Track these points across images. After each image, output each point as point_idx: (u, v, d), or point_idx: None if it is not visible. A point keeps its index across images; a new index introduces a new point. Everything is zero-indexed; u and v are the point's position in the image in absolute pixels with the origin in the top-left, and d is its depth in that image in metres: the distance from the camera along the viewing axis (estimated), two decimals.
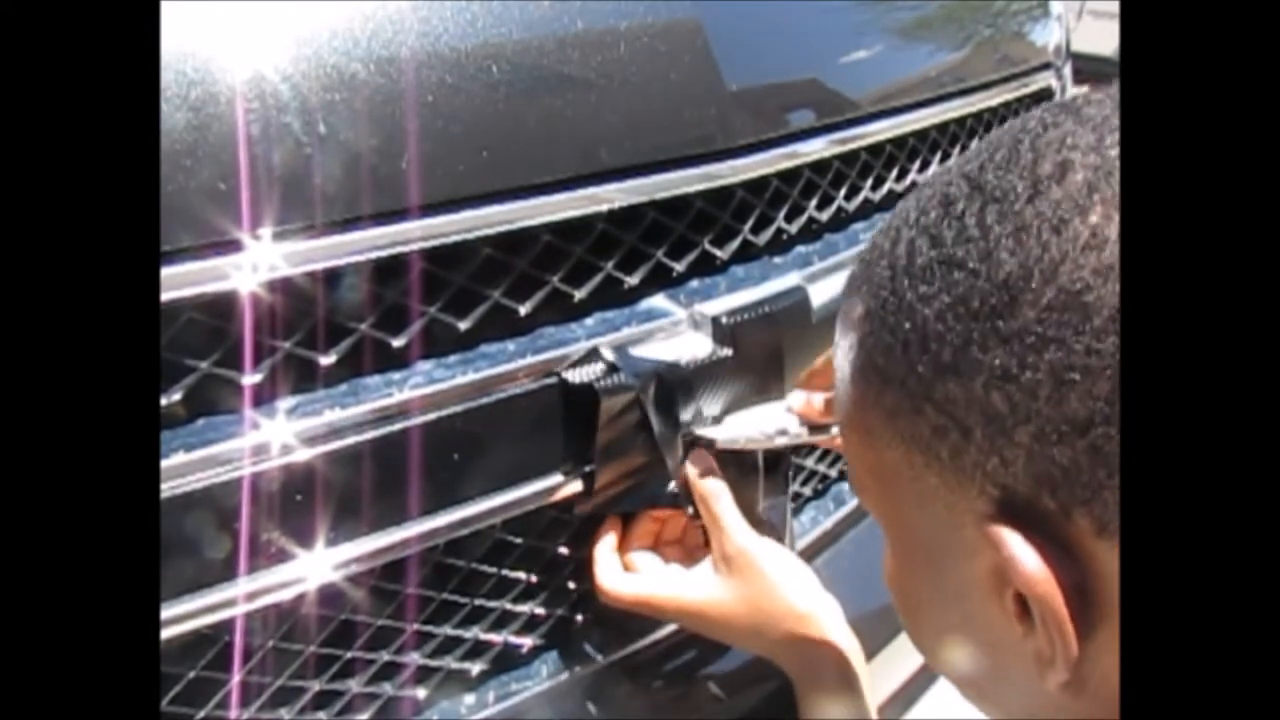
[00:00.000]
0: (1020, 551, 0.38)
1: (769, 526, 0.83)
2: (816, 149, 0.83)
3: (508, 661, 0.75)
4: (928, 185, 0.44)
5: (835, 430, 0.72)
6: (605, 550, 0.74)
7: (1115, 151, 0.37)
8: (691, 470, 0.73)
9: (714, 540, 0.72)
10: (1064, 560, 0.38)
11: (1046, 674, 0.40)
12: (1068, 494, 0.37)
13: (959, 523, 0.41)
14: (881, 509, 0.48)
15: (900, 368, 0.41)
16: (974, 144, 0.48)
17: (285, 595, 0.58)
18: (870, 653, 0.92)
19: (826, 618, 0.71)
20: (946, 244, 0.40)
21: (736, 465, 0.78)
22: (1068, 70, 1.24)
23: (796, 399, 0.74)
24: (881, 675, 0.94)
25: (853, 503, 0.98)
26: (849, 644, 0.72)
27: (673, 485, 0.74)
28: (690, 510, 0.75)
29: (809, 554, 0.94)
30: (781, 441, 0.74)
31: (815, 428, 0.73)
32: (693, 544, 0.77)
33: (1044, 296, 0.37)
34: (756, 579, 0.70)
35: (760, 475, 0.80)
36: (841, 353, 0.47)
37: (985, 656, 0.45)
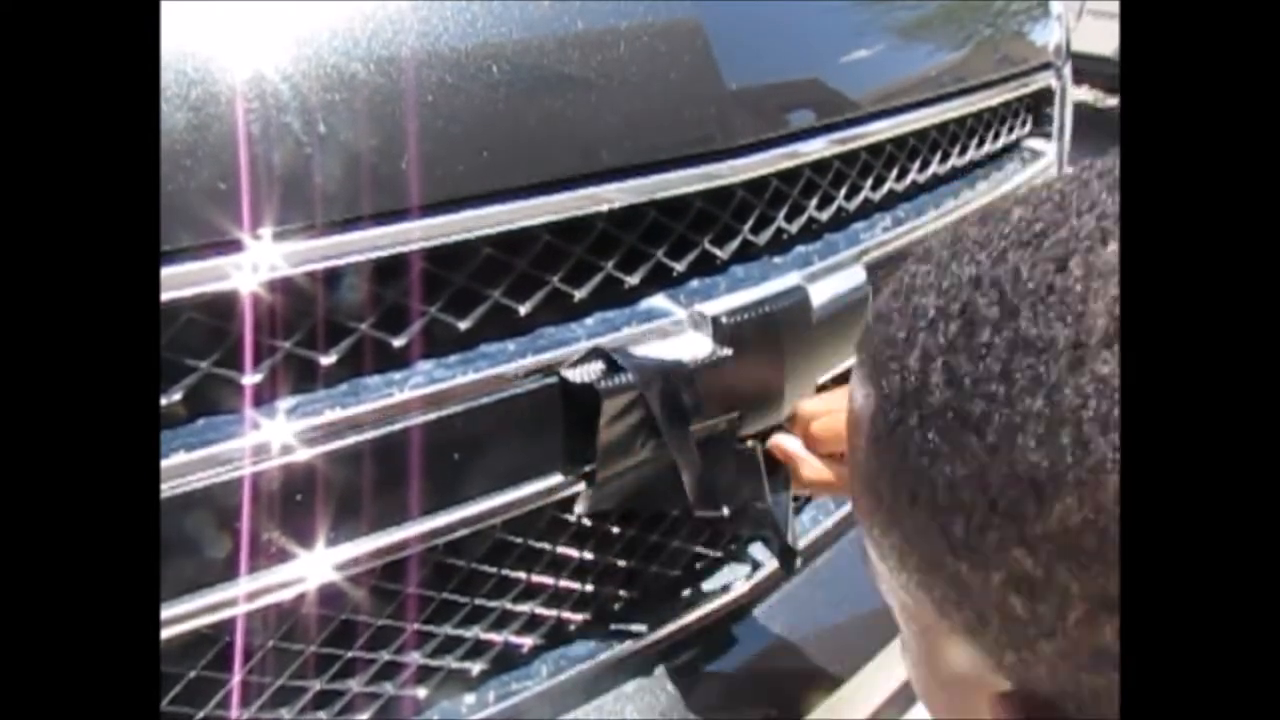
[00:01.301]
0: None
1: (772, 522, 0.83)
2: (816, 149, 0.83)
3: (508, 661, 0.75)
4: (952, 259, 0.36)
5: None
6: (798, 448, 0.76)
7: None
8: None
9: None
10: None
11: None
12: (1094, 712, 0.32)
13: (970, 681, 0.37)
14: (901, 620, 0.43)
15: (908, 520, 0.35)
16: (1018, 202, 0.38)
17: (285, 595, 0.58)
18: (869, 653, 0.92)
19: None
20: (965, 388, 0.33)
21: (739, 463, 0.78)
22: (1068, 70, 1.24)
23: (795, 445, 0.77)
24: (881, 675, 0.94)
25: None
26: None
27: (677, 484, 0.74)
28: (692, 508, 0.75)
29: (809, 554, 0.94)
30: None
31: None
32: None
33: (1076, 513, 0.30)
34: None
35: (762, 472, 0.80)
36: (851, 444, 0.41)
37: None
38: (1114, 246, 0.31)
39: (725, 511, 0.77)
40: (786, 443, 0.79)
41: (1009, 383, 0.31)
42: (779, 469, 0.81)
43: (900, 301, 0.38)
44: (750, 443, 0.80)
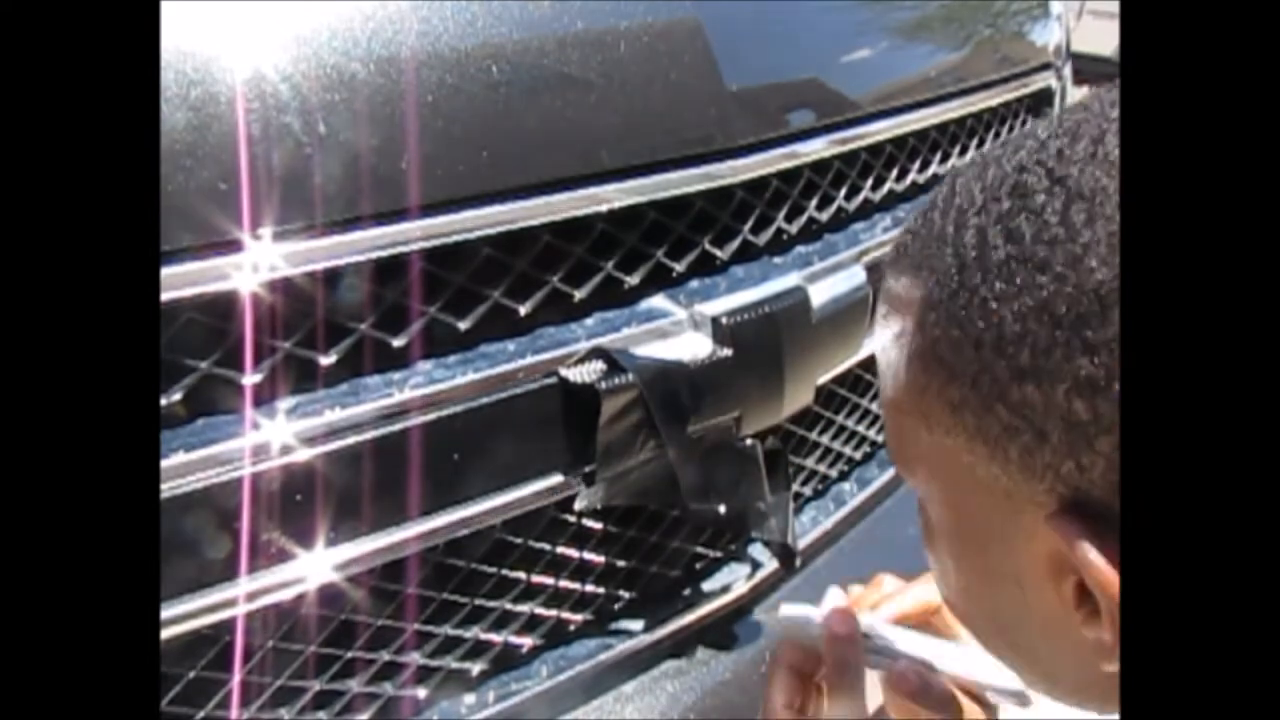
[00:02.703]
0: (1095, 559, 0.38)
1: (772, 522, 0.83)
2: (816, 149, 0.83)
3: (508, 661, 0.75)
4: (989, 165, 0.41)
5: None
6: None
7: None
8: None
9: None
10: None
11: (1105, 662, 0.40)
12: None
13: (1018, 508, 0.41)
14: (929, 489, 0.47)
15: (971, 365, 0.40)
16: (1030, 125, 0.44)
17: (285, 595, 0.58)
18: None
19: None
20: (1026, 241, 0.38)
21: (739, 462, 0.78)
22: (1068, 70, 1.24)
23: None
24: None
25: (853, 503, 0.98)
26: None
27: (676, 483, 0.74)
28: (692, 507, 0.75)
29: (809, 554, 0.94)
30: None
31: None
32: None
33: None
34: None
35: (762, 472, 0.80)
36: (891, 335, 0.45)
37: (1038, 636, 0.45)
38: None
39: (721, 509, 0.77)
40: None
41: (1067, 226, 0.36)
42: (779, 468, 0.81)
43: (939, 208, 0.42)
44: (750, 442, 0.79)
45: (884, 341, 0.46)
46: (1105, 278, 0.36)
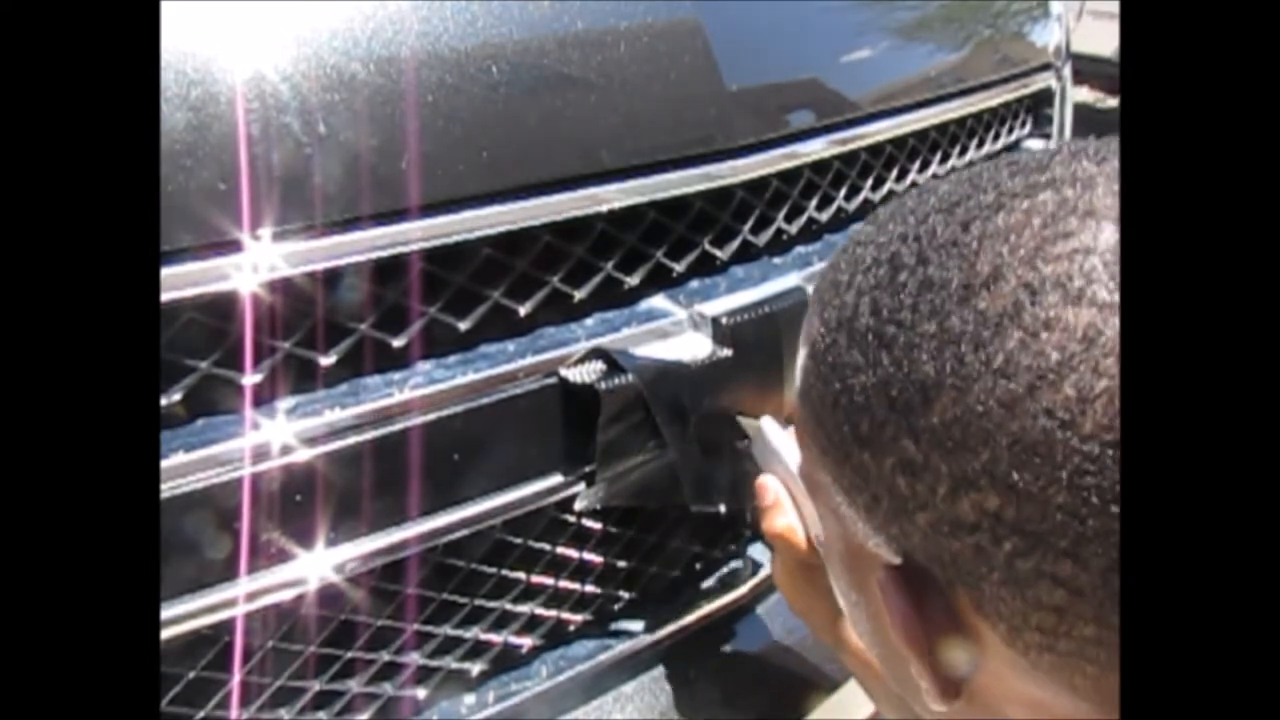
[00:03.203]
0: (894, 601, 0.43)
1: None
2: (816, 149, 0.83)
3: (508, 661, 0.75)
4: (897, 218, 0.44)
5: None
6: None
7: (1051, 269, 0.37)
8: None
9: None
10: (944, 617, 0.42)
11: (925, 695, 0.45)
12: (954, 574, 0.40)
13: (864, 555, 0.45)
14: (810, 503, 0.51)
15: (828, 422, 0.44)
16: (968, 158, 0.48)
17: (285, 595, 0.58)
18: None
19: None
20: (882, 317, 0.41)
21: (737, 462, 0.78)
22: (1068, 70, 1.24)
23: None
24: None
25: None
26: None
27: (673, 480, 0.74)
28: (693, 508, 0.75)
29: None
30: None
31: None
32: None
33: (950, 411, 0.38)
34: None
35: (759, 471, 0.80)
36: (798, 362, 0.49)
37: (888, 661, 0.49)
38: (1003, 216, 0.39)
39: (721, 508, 0.77)
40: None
41: (915, 312, 0.40)
42: None
43: (847, 254, 0.46)
44: (748, 441, 0.79)
45: (800, 369, 0.49)
46: (930, 374, 0.39)
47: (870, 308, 0.42)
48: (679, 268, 0.75)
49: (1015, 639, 0.39)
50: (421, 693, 0.71)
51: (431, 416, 0.61)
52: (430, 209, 0.59)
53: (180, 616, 0.54)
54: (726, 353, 0.72)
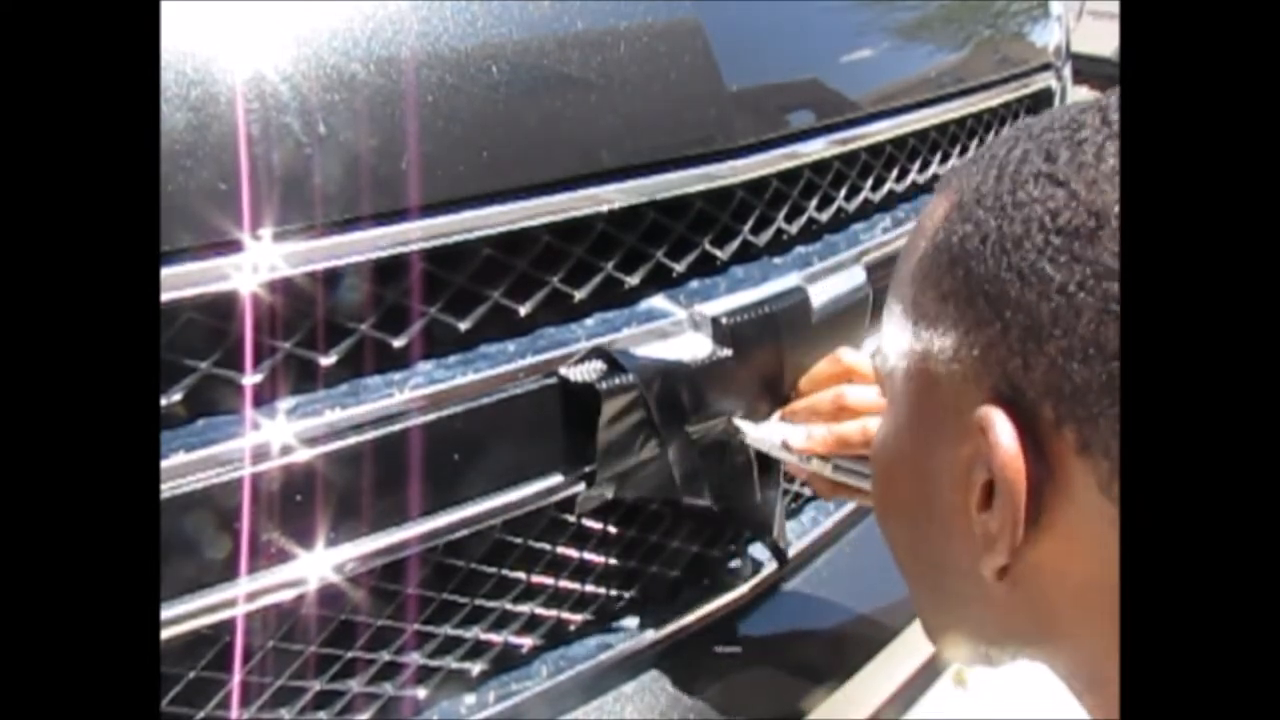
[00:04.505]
0: (1005, 435, 0.42)
1: (763, 517, 0.83)
2: (816, 149, 0.83)
3: (508, 661, 0.75)
4: (1056, 112, 0.45)
5: (827, 468, 0.75)
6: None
7: None
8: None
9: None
10: (1038, 462, 0.41)
11: (986, 556, 0.44)
12: (1068, 409, 0.40)
13: (961, 408, 0.44)
14: (896, 380, 0.51)
15: (972, 257, 0.44)
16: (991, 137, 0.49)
17: (285, 595, 0.58)
18: (869, 653, 0.92)
19: None
20: (1059, 161, 0.42)
21: (731, 459, 0.79)
22: (1068, 70, 1.24)
23: (796, 434, 0.76)
24: (881, 675, 0.94)
25: (852, 504, 0.98)
26: None
27: (673, 479, 0.74)
28: (685, 503, 0.75)
29: (808, 554, 0.94)
30: (779, 455, 0.76)
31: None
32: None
33: (1113, 242, 0.38)
34: None
35: (754, 469, 0.80)
36: (917, 237, 0.49)
37: (936, 536, 0.49)
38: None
39: (714, 506, 0.77)
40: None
41: (1100, 156, 0.41)
42: (770, 468, 0.82)
43: (995, 143, 0.47)
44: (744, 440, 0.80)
45: (906, 247, 0.50)
46: (1110, 201, 0.39)
47: (1044, 156, 0.43)
48: (679, 268, 0.75)
49: (1114, 482, 0.39)
50: (421, 693, 0.71)
51: (431, 417, 0.61)
52: (430, 209, 0.59)
53: (180, 616, 0.54)
54: (726, 353, 0.72)
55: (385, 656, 0.68)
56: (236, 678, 0.60)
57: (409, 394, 0.60)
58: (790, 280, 0.79)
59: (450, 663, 0.72)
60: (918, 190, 1.01)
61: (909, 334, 0.49)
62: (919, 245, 0.49)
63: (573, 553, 0.76)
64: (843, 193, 0.90)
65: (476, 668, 0.73)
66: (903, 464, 0.52)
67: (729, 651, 0.84)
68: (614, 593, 0.80)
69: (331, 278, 0.57)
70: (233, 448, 0.54)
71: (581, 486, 0.70)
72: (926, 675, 1.05)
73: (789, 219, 0.84)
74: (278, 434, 0.56)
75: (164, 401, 0.53)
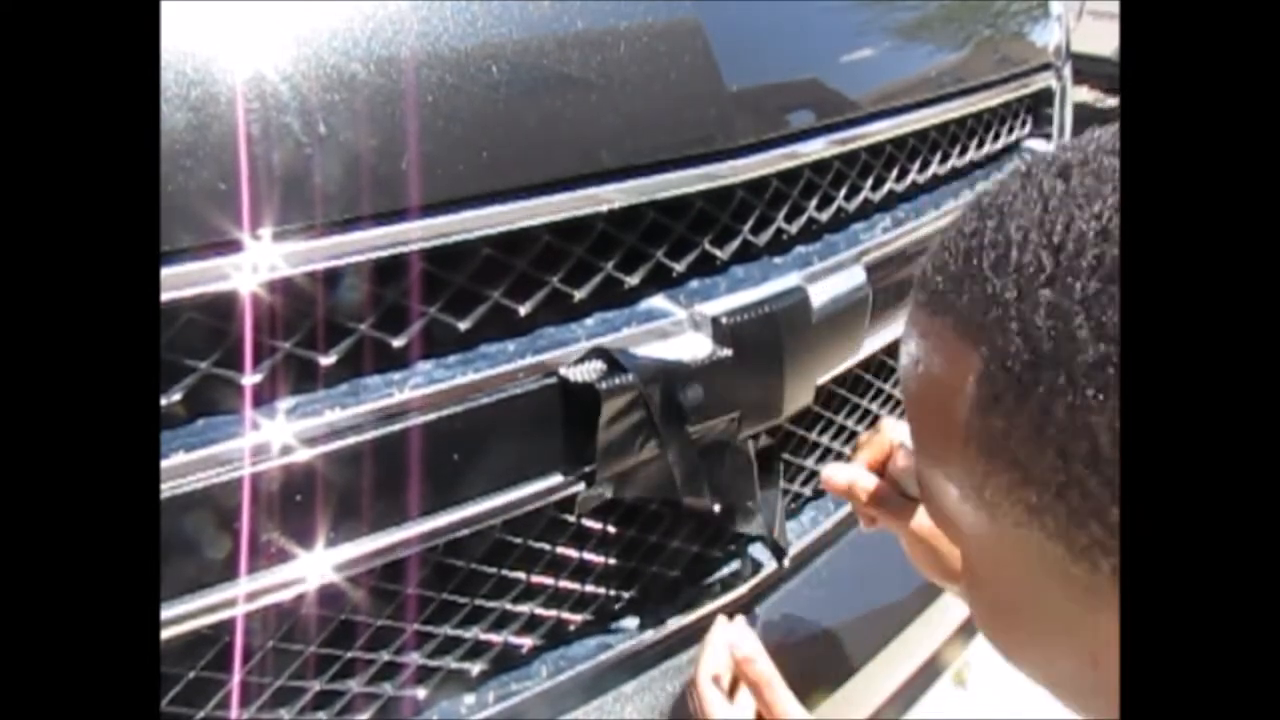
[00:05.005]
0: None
1: (762, 517, 0.83)
2: (816, 149, 0.83)
3: (508, 661, 0.75)
4: (1037, 201, 0.39)
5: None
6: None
7: None
8: (741, 653, 0.72)
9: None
10: None
11: (1092, 599, 0.39)
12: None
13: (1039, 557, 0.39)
14: (970, 540, 0.44)
15: (1056, 475, 0.37)
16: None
17: (285, 595, 0.58)
18: (869, 653, 0.92)
19: None
20: (1109, 329, 0.34)
21: (732, 460, 0.78)
22: (1068, 70, 1.24)
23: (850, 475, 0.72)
24: (881, 675, 0.95)
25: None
26: None
27: (673, 479, 0.74)
28: (685, 503, 0.75)
29: (809, 554, 0.94)
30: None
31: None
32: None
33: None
34: None
35: (754, 469, 0.80)
36: (932, 395, 0.42)
37: (1039, 619, 0.44)
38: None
39: (715, 506, 0.77)
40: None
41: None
42: (770, 468, 0.82)
43: (982, 249, 0.38)
44: (743, 440, 0.80)
45: (919, 393, 0.42)
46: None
47: (1096, 331, 0.35)
48: (679, 268, 0.75)
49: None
50: (421, 693, 0.71)
51: (431, 416, 0.61)
52: (430, 209, 0.59)
53: (180, 616, 0.54)
54: (726, 353, 0.72)
55: (385, 656, 0.68)
56: (236, 678, 0.60)
57: (409, 394, 0.60)
58: (790, 280, 0.79)
59: (450, 663, 0.72)
60: (918, 190, 1.01)
61: (987, 519, 0.41)
62: (947, 420, 0.41)
63: (573, 553, 0.76)
64: (843, 192, 0.90)
65: (476, 668, 0.73)
66: (1018, 628, 0.46)
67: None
68: (614, 593, 0.80)
69: (331, 277, 0.57)
70: (233, 448, 0.54)
71: (581, 486, 0.70)
72: (926, 675, 1.05)
73: (789, 219, 0.84)
74: (278, 434, 0.56)
75: (164, 401, 0.53)
